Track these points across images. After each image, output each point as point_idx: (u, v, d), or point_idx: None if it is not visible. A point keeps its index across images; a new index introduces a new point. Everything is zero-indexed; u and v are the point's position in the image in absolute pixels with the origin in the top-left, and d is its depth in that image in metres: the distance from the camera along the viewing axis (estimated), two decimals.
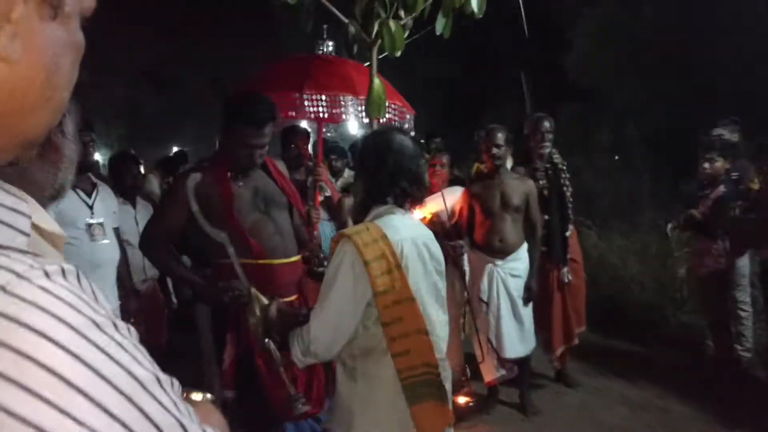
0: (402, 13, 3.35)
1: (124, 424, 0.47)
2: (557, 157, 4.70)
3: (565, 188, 4.63)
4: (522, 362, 4.35)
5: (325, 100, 4.02)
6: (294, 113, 4.38)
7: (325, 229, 4.40)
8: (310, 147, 4.92)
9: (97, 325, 0.50)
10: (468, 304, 4.45)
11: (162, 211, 3.00)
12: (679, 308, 6.12)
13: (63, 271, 0.51)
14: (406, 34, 3.39)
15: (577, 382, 4.90)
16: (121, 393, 0.48)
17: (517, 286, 4.22)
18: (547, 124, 4.58)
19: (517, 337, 4.21)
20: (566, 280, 4.60)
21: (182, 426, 0.54)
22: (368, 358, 2.03)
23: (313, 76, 3.77)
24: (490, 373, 4.27)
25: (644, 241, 7.14)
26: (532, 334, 4.34)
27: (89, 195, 3.61)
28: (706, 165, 4.67)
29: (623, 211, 7.92)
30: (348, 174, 5.93)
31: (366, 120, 4.00)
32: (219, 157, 2.98)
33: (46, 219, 0.73)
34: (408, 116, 4.58)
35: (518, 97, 9.55)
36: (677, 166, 7.56)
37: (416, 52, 3.51)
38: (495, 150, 4.19)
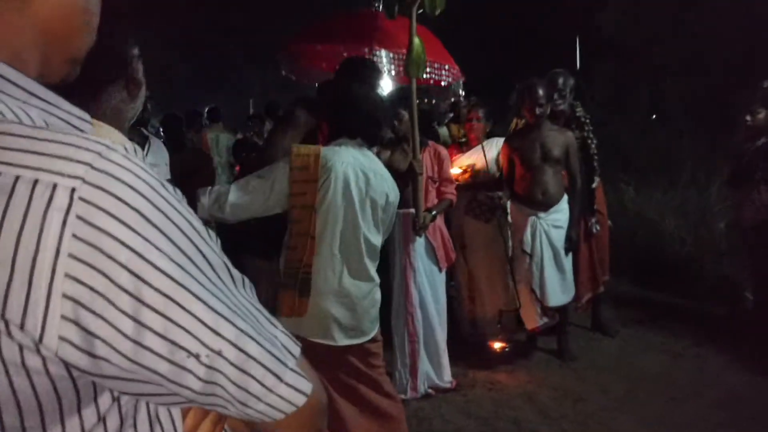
0: None
1: (182, 250, 0.63)
2: (580, 111, 4.73)
3: (589, 141, 4.66)
4: (562, 310, 4.45)
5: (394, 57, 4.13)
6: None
7: None
8: None
9: (164, 185, 0.64)
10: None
11: None
12: (718, 261, 6.14)
13: (135, 149, 0.67)
14: None
15: (615, 331, 5.00)
16: (182, 231, 0.63)
17: (560, 237, 4.31)
18: (560, 80, 4.60)
19: (559, 286, 4.32)
20: (594, 231, 4.66)
21: (228, 269, 0.70)
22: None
23: (382, 30, 3.89)
24: (532, 320, 4.39)
25: (683, 197, 7.13)
26: (572, 283, 4.44)
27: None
28: (749, 117, 4.66)
29: (661, 168, 7.89)
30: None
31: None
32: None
33: (118, 136, 1.04)
34: (460, 80, 4.66)
35: (554, 55, 9.47)
36: (716, 122, 7.50)
37: (456, 13, 3.56)
38: (538, 110, 4.23)
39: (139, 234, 0.59)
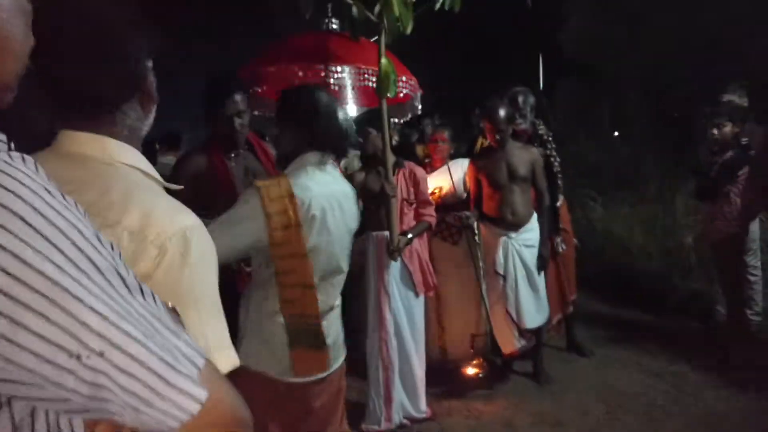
0: None
1: (65, 254, 0.63)
2: (542, 129, 4.68)
3: (552, 159, 4.60)
4: (537, 331, 4.36)
5: (350, 72, 4.03)
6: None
7: None
8: None
9: (48, 191, 0.65)
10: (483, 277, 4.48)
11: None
12: (687, 276, 6.15)
13: (23, 157, 0.67)
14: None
15: (589, 351, 4.93)
16: (64, 234, 0.64)
17: (532, 256, 4.23)
18: (521, 98, 4.56)
19: (534, 306, 4.23)
20: (560, 250, 4.59)
21: (120, 276, 0.69)
22: (260, 291, 2.24)
23: (334, 49, 3.79)
24: (510, 344, 4.28)
25: (650, 212, 7.15)
26: (546, 303, 4.35)
27: None
28: (715, 130, 4.66)
29: (628, 183, 7.92)
30: (352, 154, 5.90)
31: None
32: (211, 139, 3.03)
33: (150, 167, 1.12)
34: (418, 93, 4.58)
35: (517, 73, 9.52)
36: (679, 135, 7.57)
37: (419, 32, 3.48)
38: (498, 135, 4.16)
39: (15, 236, 0.60)
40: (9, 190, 0.61)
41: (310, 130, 2.28)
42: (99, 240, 0.69)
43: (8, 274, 0.58)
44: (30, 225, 0.61)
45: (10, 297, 0.59)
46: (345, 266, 2.42)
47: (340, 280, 2.42)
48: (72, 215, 0.66)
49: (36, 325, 0.60)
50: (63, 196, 0.67)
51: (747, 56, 7.17)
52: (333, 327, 2.39)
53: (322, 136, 2.29)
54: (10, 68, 0.73)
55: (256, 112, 4.37)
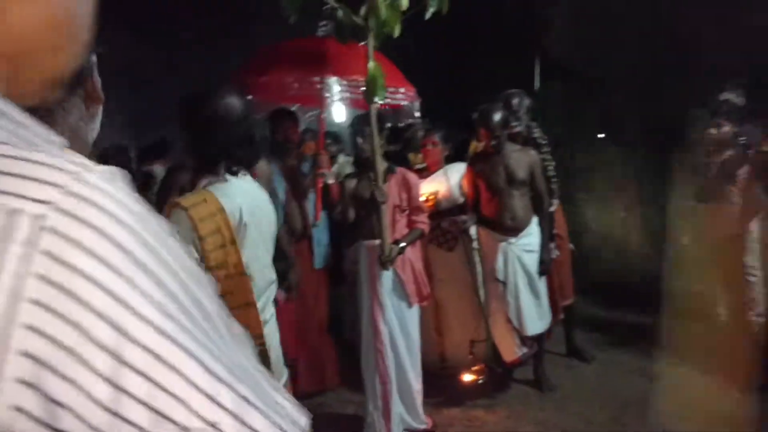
0: None
1: (174, 298, 0.50)
2: (537, 132, 4.61)
3: (547, 163, 4.52)
4: (538, 338, 4.28)
5: (332, 84, 3.94)
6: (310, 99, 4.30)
7: (322, 217, 4.32)
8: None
9: (152, 214, 0.54)
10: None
11: None
12: (685, 278, 6.09)
13: (121, 173, 0.54)
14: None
15: (590, 356, 4.85)
16: (172, 271, 0.52)
17: (533, 262, 4.15)
18: (515, 101, 4.49)
19: (536, 313, 4.15)
20: (554, 256, 4.50)
21: (226, 319, 0.58)
22: None
23: (320, 58, 3.69)
24: (511, 352, 4.20)
25: (645, 214, 7.10)
26: (548, 309, 4.27)
27: None
28: (713, 130, 4.61)
29: (622, 185, 7.88)
30: (343, 159, 5.82)
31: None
32: None
33: None
34: (415, 102, 4.50)
35: (507, 77, 9.50)
36: (672, 138, 7.54)
37: (406, 35, 3.42)
38: (493, 140, 4.09)
39: (120, 274, 0.47)
40: (111, 215, 0.48)
41: (213, 139, 2.13)
42: (203, 275, 0.57)
43: (113, 326, 0.46)
44: (137, 261, 0.49)
45: (116, 357, 0.46)
46: (274, 275, 2.32)
47: (273, 290, 2.32)
48: (177, 245, 0.55)
49: (144, 392, 0.47)
50: (165, 220, 0.56)
51: (739, 56, 7.15)
52: (273, 344, 2.28)
53: (228, 144, 2.13)
54: (71, 62, 0.64)
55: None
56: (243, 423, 0.51)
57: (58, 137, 0.57)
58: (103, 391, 0.45)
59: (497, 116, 4.06)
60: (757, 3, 7.17)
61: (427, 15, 3.39)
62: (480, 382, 4.48)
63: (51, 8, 0.59)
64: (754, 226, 4.74)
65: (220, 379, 0.51)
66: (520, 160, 4.16)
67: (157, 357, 0.47)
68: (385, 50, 4.23)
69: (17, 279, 0.44)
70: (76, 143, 1.03)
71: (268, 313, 2.27)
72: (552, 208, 4.50)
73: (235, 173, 2.16)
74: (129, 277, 0.47)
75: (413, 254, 3.80)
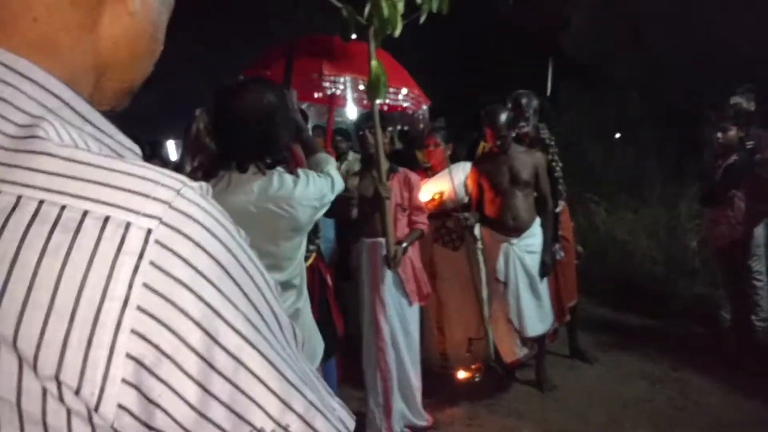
0: None
1: (256, 308, 0.56)
2: (545, 133, 4.61)
3: (554, 163, 4.52)
4: (539, 339, 4.30)
5: (344, 82, 3.96)
6: (316, 95, 4.33)
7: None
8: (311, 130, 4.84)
9: (239, 231, 0.58)
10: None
11: None
12: (691, 280, 6.09)
13: (207, 188, 0.58)
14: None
15: (593, 357, 4.87)
16: (256, 284, 0.57)
17: (534, 263, 4.14)
18: (524, 101, 4.49)
19: (537, 314, 4.15)
20: (558, 257, 4.50)
21: (293, 328, 0.63)
22: None
23: (332, 57, 3.72)
24: (511, 353, 4.22)
25: (653, 216, 7.09)
26: (550, 310, 4.28)
27: None
28: (720, 134, 4.60)
29: (631, 187, 7.86)
30: (352, 156, 5.86)
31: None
32: None
33: None
34: (424, 106, 4.51)
35: (518, 75, 9.47)
36: (683, 139, 7.51)
37: (418, 37, 3.44)
38: (500, 141, 4.09)
39: (215, 287, 0.52)
40: (209, 231, 0.53)
41: (225, 136, 2.17)
42: (274, 284, 0.61)
43: (208, 334, 0.51)
44: (229, 274, 0.54)
45: (207, 362, 0.51)
46: (286, 276, 2.28)
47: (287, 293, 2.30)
48: (257, 260, 0.59)
49: (228, 395, 0.52)
50: (245, 235, 0.60)
51: (752, 59, 7.10)
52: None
53: (240, 141, 2.15)
54: (146, 73, 0.69)
55: None
56: (309, 425, 0.57)
57: (134, 144, 0.64)
58: (192, 392, 0.51)
59: (503, 116, 4.07)
60: None
61: (422, 18, 3.41)
62: (476, 379, 4.52)
63: (138, 23, 0.64)
64: (759, 231, 4.73)
65: (293, 385, 0.56)
66: (525, 161, 4.17)
67: (242, 363, 0.53)
68: (396, 50, 4.27)
69: (128, 287, 0.49)
70: None
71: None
72: (558, 209, 4.51)
73: (245, 170, 2.16)
74: (222, 288, 0.53)
75: (413, 253, 3.85)
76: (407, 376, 3.83)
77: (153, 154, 7.12)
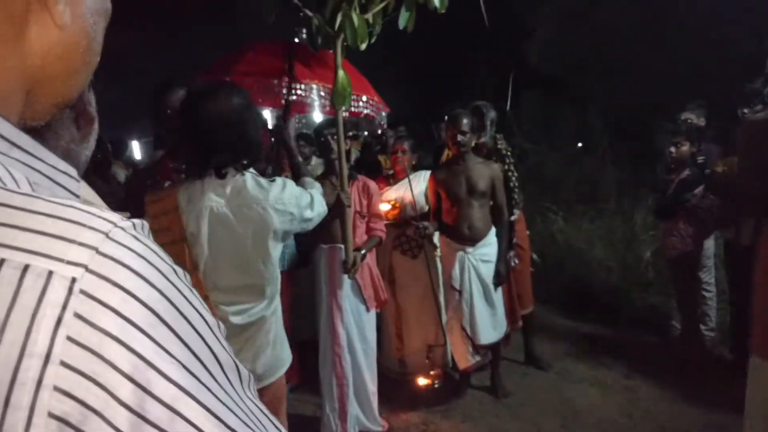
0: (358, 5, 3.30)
1: (193, 353, 0.51)
2: (501, 143, 4.69)
3: (510, 173, 4.60)
4: (494, 346, 4.37)
5: (303, 89, 3.96)
6: (269, 100, 4.32)
7: None
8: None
9: (176, 271, 0.54)
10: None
11: None
12: (644, 290, 6.23)
13: (142, 225, 0.55)
14: (378, 28, 3.38)
15: (547, 365, 4.95)
16: (195, 328, 0.52)
17: (489, 272, 4.21)
18: (481, 112, 4.56)
19: (490, 323, 4.22)
20: (512, 264, 4.58)
21: (237, 368, 0.58)
22: None
23: (292, 62, 3.73)
24: (464, 359, 4.28)
25: (609, 226, 7.24)
26: (504, 319, 4.35)
27: None
28: (673, 149, 4.74)
29: (588, 197, 8.01)
30: (316, 161, 5.87)
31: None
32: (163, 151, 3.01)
33: (92, 194, 0.85)
34: (383, 112, 4.54)
35: (481, 85, 9.59)
36: (640, 151, 7.68)
37: (384, 44, 3.47)
38: (460, 137, 4.15)
39: (148, 335, 0.48)
40: (141, 277, 0.49)
41: (201, 151, 2.17)
42: (218, 325, 0.57)
43: (140, 386, 0.47)
44: (164, 322, 0.49)
45: (139, 416, 0.46)
46: (243, 277, 2.30)
47: (243, 292, 2.31)
48: (197, 300, 0.54)
49: None
50: (184, 274, 0.56)
51: (707, 75, 7.31)
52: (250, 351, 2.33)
53: (216, 155, 2.16)
54: (82, 85, 0.65)
55: None
56: None
57: (71, 167, 0.60)
58: None
59: (465, 120, 4.13)
60: (729, 20, 7.32)
61: (401, 25, 3.45)
62: (436, 386, 4.57)
63: (69, 36, 0.59)
64: (709, 243, 4.87)
65: (233, 431, 0.52)
66: (482, 172, 4.23)
67: (178, 414, 0.48)
68: (357, 59, 4.29)
69: (50, 341, 0.44)
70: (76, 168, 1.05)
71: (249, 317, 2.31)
72: (513, 218, 4.58)
73: (223, 175, 2.18)
74: (154, 336, 0.48)
75: (371, 260, 3.89)
76: (363, 382, 3.85)
77: (117, 155, 6.99)
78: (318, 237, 3.84)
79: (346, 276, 3.66)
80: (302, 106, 4.57)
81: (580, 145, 10.19)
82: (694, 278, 4.87)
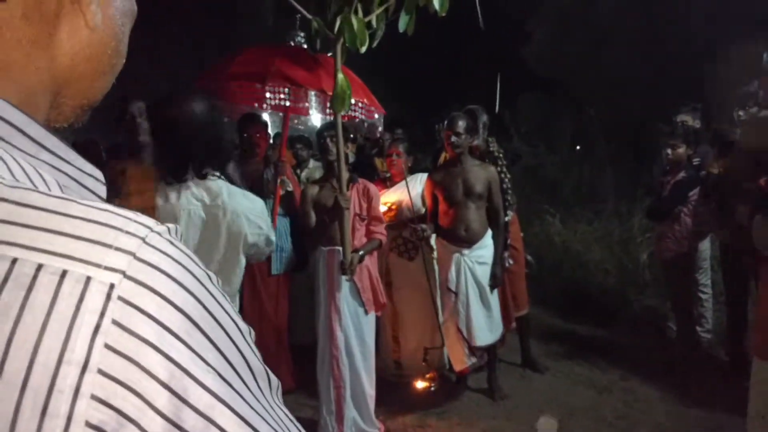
0: (359, 8, 3.32)
1: (228, 360, 0.50)
2: (494, 146, 4.71)
3: (503, 176, 4.61)
4: (490, 348, 4.38)
5: (288, 92, 3.98)
6: (257, 104, 4.33)
7: (280, 224, 4.35)
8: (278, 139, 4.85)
9: (210, 277, 0.52)
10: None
11: None
12: (641, 292, 6.25)
13: (176, 230, 0.54)
14: (380, 32, 3.39)
15: (544, 367, 4.96)
16: (229, 336, 0.51)
17: (485, 274, 4.23)
18: (474, 115, 4.59)
19: (486, 324, 4.24)
20: (507, 265, 4.59)
21: (267, 375, 0.57)
22: None
23: (278, 67, 3.74)
24: (460, 361, 4.29)
25: (606, 228, 7.25)
26: (500, 321, 4.37)
27: None
28: (669, 151, 4.75)
29: (586, 199, 8.03)
30: (313, 164, 5.89)
31: (330, 114, 3.98)
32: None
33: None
34: (377, 115, 4.56)
35: (479, 87, 9.61)
36: (637, 154, 7.70)
37: (382, 47, 3.48)
38: (455, 138, 4.17)
39: (184, 342, 0.47)
40: (178, 283, 0.48)
41: (174, 145, 2.21)
42: (250, 332, 0.57)
43: (176, 395, 0.46)
44: (200, 329, 0.48)
45: (175, 425, 0.45)
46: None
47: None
48: (230, 307, 0.54)
49: None
50: (217, 280, 0.55)
51: (703, 78, 7.33)
52: None
53: (190, 150, 2.21)
54: (107, 87, 0.64)
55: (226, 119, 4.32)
56: None
57: (97, 170, 0.60)
58: None
59: (461, 121, 4.16)
60: (725, 22, 7.34)
61: (401, 27, 3.46)
62: (432, 389, 4.58)
63: (98, 38, 0.59)
64: (705, 245, 4.89)
65: None
66: (479, 174, 4.25)
67: (212, 422, 0.47)
68: (355, 62, 4.31)
69: (88, 349, 0.43)
70: None
71: None
72: (507, 219, 4.60)
73: (203, 176, 2.22)
74: (191, 343, 0.47)
75: (371, 263, 3.90)
76: (361, 384, 3.86)
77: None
78: (317, 239, 3.86)
79: (344, 279, 3.68)
80: (296, 109, 4.59)
81: (577, 147, 10.21)
82: (690, 280, 4.88)
